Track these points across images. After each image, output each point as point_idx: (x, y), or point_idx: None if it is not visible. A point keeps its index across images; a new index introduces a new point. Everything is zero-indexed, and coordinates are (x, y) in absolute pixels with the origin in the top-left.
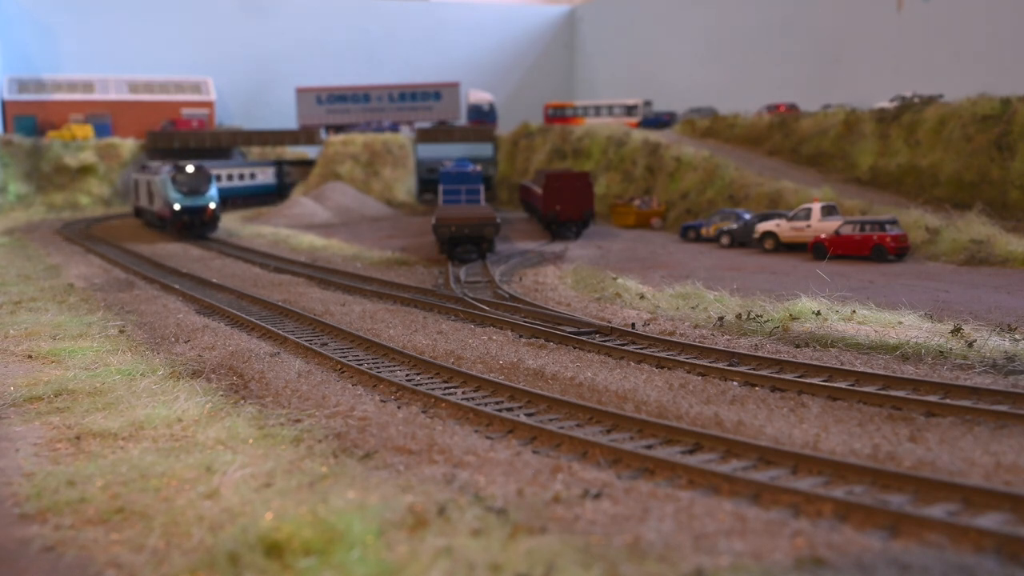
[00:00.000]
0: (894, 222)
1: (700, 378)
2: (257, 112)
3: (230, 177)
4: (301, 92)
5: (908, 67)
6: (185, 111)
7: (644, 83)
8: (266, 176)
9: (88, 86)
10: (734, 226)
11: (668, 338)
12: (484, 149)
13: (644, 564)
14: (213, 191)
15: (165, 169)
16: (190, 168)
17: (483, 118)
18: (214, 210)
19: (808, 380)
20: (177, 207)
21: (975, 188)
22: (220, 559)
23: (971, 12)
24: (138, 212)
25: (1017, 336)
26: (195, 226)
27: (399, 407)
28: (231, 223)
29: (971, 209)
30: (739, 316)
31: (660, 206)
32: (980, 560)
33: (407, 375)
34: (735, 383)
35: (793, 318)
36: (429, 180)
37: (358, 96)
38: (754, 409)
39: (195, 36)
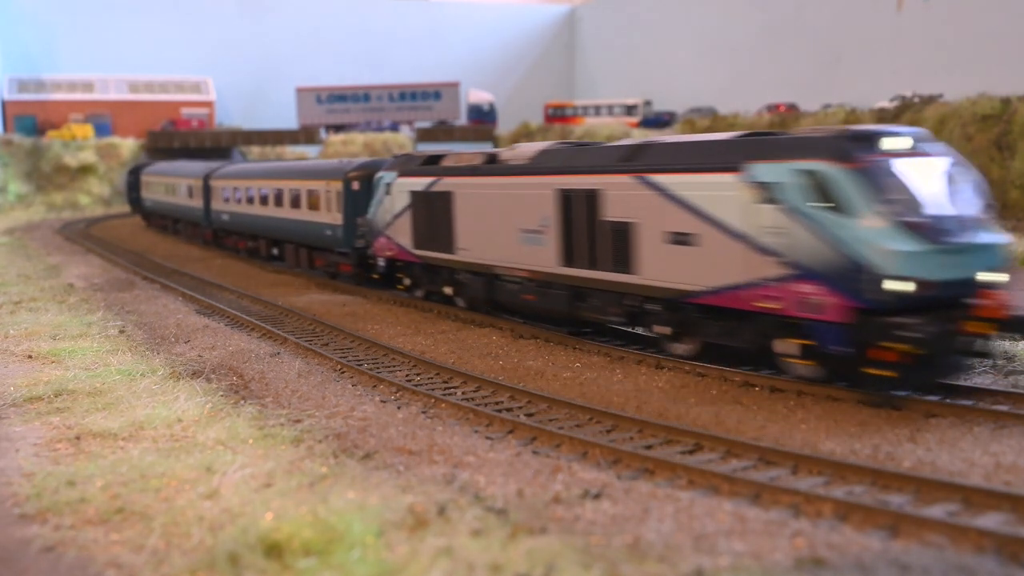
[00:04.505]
0: None
1: (700, 378)
2: (257, 112)
3: None
4: (301, 92)
5: (908, 67)
6: (185, 111)
7: (644, 83)
8: None
9: (88, 86)
10: None
11: None
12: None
13: (644, 564)
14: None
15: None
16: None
17: (483, 118)
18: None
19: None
20: (908, 287)
21: None
22: (220, 559)
23: (971, 12)
24: (390, 266)
25: (1017, 336)
26: (940, 360)
27: (399, 407)
28: None
29: None
30: None
31: None
32: (980, 560)
33: (407, 375)
34: (735, 383)
35: None
36: None
37: (358, 96)
38: (754, 409)
39: (195, 36)
